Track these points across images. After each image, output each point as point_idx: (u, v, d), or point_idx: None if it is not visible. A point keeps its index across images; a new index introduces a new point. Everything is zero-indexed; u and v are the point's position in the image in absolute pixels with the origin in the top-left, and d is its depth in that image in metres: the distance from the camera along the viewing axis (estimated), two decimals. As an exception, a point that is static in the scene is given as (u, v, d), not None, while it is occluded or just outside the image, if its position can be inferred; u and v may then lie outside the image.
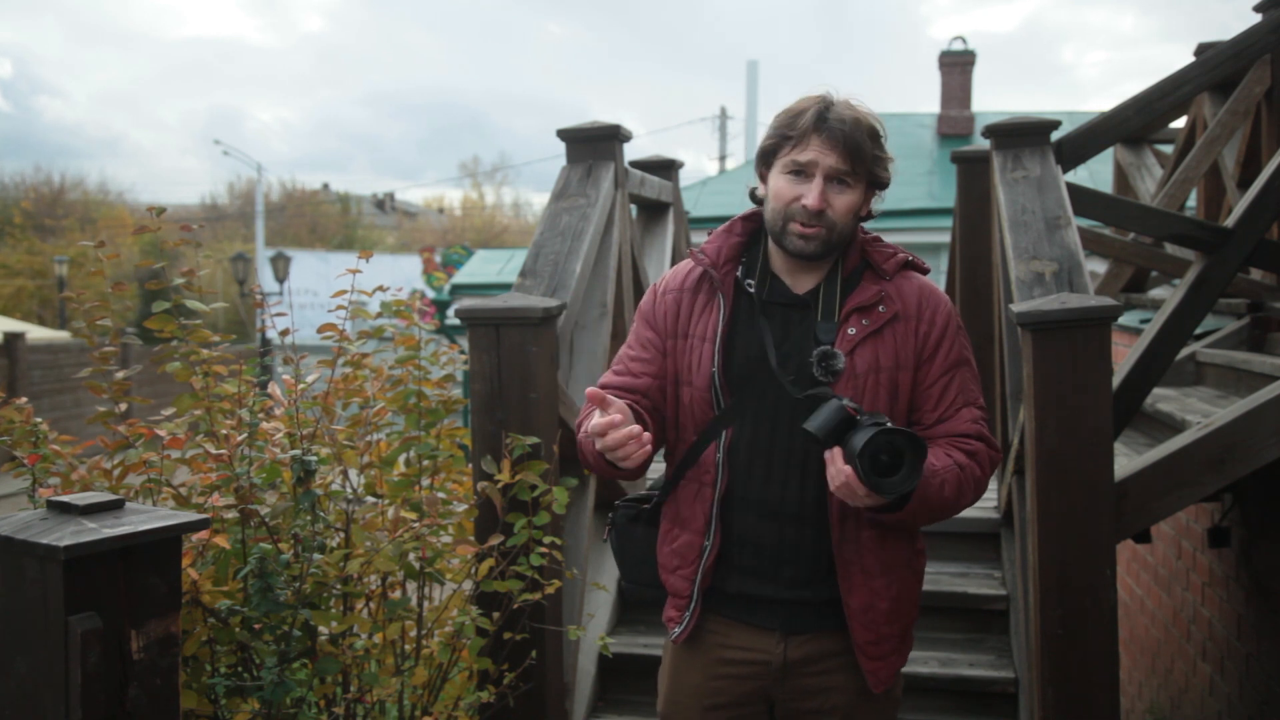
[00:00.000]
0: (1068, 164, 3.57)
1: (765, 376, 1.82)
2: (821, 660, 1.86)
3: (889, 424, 1.67)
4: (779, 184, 1.81)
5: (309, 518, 2.31)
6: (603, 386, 1.96)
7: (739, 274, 1.89)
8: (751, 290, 1.87)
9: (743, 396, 1.83)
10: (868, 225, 1.92)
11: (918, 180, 13.35)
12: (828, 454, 1.68)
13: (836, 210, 1.78)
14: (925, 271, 1.92)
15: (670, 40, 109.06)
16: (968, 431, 1.81)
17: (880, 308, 1.81)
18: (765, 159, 1.84)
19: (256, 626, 2.22)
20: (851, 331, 1.80)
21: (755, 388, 1.83)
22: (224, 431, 2.44)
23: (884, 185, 1.85)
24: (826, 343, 1.79)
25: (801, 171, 1.78)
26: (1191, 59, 4.61)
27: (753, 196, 1.91)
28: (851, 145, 1.75)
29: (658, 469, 2.15)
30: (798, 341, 1.82)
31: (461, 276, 16.21)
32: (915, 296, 1.84)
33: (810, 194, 1.76)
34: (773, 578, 1.85)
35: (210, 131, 78.78)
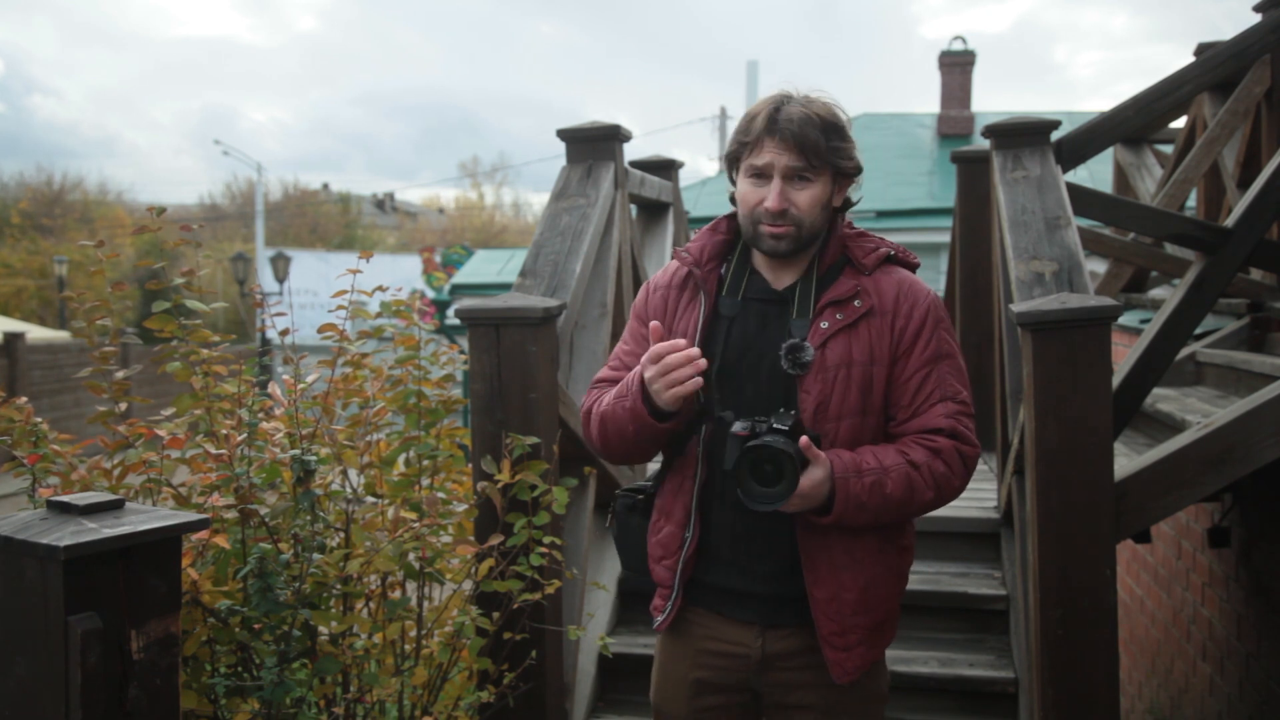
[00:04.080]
0: (1068, 164, 3.57)
1: (741, 371, 1.85)
2: (800, 655, 1.88)
3: (774, 431, 1.71)
4: (744, 189, 1.85)
5: (309, 518, 2.31)
6: (600, 381, 1.99)
7: (722, 271, 1.93)
8: (727, 289, 1.90)
9: (721, 391, 1.86)
10: (869, 225, 1.93)
11: (918, 180, 13.35)
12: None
13: (800, 207, 1.81)
14: (914, 266, 1.92)
15: (665, 41, 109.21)
16: (939, 426, 1.81)
17: (856, 302, 1.83)
18: (731, 165, 1.89)
19: (256, 626, 2.22)
20: (824, 325, 1.82)
21: (732, 383, 1.86)
22: (224, 431, 2.43)
23: (852, 174, 1.87)
24: (798, 336, 1.81)
25: (761, 174, 1.82)
26: (1184, 59, 4.62)
27: (732, 200, 1.95)
28: (802, 141, 1.78)
29: (656, 462, 2.17)
30: (773, 337, 1.85)
31: (461, 276, 16.22)
32: (893, 291, 1.85)
33: (770, 196, 1.81)
34: (750, 571, 1.88)
35: (204, 131, 78.81)
